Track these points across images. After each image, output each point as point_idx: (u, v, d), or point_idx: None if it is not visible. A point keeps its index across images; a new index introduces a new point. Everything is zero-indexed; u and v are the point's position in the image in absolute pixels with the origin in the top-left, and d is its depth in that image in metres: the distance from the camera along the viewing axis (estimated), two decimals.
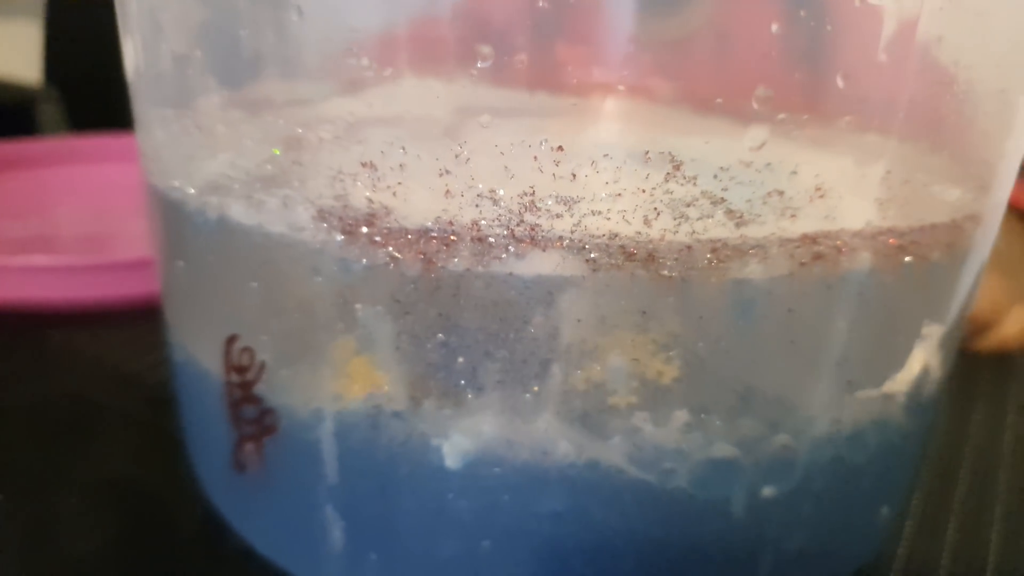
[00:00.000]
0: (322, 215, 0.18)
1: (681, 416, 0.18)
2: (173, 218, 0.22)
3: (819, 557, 0.22)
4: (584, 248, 0.17)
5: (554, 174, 0.17)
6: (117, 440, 0.31)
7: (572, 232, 0.17)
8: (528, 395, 0.18)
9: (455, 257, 0.17)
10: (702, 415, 0.18)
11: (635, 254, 0.17)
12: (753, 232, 0.17)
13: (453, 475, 0.19)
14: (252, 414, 0.20)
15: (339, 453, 0.20)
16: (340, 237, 0.18)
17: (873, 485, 0.22)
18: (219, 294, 0.21)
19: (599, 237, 0.17)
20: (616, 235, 0.17)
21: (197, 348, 0.22)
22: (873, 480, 0.22)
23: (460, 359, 0.18)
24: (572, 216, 0.17)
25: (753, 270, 0.17)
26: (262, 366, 0.20)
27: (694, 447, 0.18)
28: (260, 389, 0.20)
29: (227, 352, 0.20)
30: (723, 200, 0.17)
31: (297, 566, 0.22)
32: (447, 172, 0.17)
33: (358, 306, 0.18)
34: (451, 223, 0.17)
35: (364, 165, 0.17)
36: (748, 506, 0.19)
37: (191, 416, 0.25)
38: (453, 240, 0.17)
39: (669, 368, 0.18)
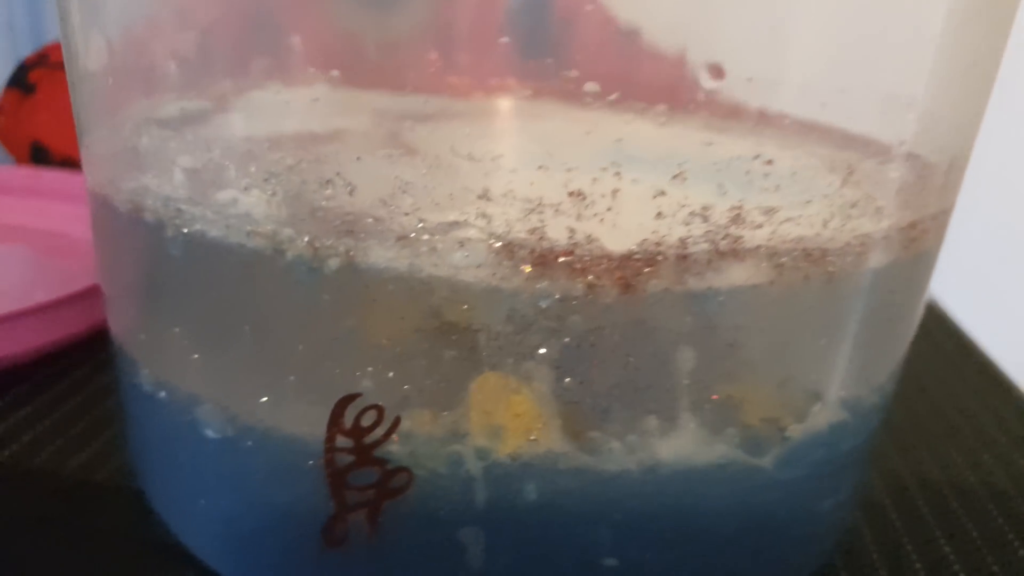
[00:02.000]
0: (509, 249, 0.16)
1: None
2: (223, 257, 0.18)
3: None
4: (775, 254, 0.17)
5: (763, 187, 0.17)
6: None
7: (768, 240, 0.17)
8: (716, 411, 0.18)
9: (655, 278, 0.17)
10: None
11: (812, 255, 0.18)
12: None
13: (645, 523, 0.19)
14: (369, 479, 0.18)
15: (488, 506, 0.18)
16: (528, 270, 0.16)
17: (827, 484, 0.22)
18: (334, 348, 0.18)
19: (789, 242, 0.17)
20: (801, 239, 0.18)
21: (254, 415, 0.19)
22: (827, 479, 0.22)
23: (648, 385, 0.18)
24: (771, 224, 0.17)
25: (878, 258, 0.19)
26: (395, 424, 0.18)
27: None
28: (386, 449, 0.18)
29: (337, 414, 0.18)
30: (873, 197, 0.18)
31: None
32: (662, 194, 0.16)
33: (537, 340, 0.17)
34: (658, 244, 0.16)
35: (572, 195, 0.16)
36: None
37: (212, 498, 0.21)
38: (659, 260, 0.17)
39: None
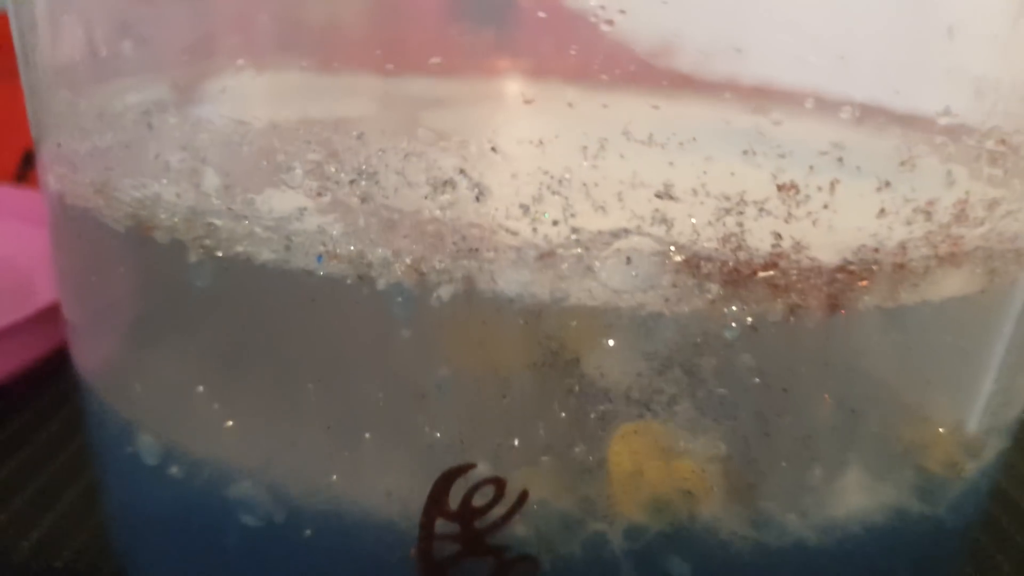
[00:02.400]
0: (692, 264, 0.12)
1: None
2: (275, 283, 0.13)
3: None
4: (990, 257, 0.14)
5: (990, 175, 0.13)
6: None
7: (986, 240, 0.14)
8: (901, 455, 0.15)
9: (867, 294, 0.13)
10: None
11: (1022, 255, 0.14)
12: None
13: None
14: (479, 573, 0.14)
15: None
16: (717, 289, 0.12)
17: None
18: (435, 404, 0.13)
19: (1005, 241, 0.14)
20: (1017, 236, 0.14)
21: (315, 495, 0.14)
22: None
23: (840, 429, 0.14)
24: (991, 221, 0.14)
25: None
26: (520, 500, 0.13)
27: None
28: (504, 534, 0.14)
29: (440, 492, 0.13)
30: None
31: None
32: (887, 185, 0.12)
33: (713, 381, 0.13)
34: (876, 250, 0.13)
35: (782, 188, 0.12)
36: None
37: None
38: (874, 271, 0.13)
39: None
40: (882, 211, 0.12)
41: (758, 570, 0.14)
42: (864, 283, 0.13)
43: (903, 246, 0.13)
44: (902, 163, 0.12)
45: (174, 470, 0.16)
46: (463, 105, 0.12)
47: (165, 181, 0.14)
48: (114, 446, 0.17)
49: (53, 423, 0.27)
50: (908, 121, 0.12)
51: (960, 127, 0.13)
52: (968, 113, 0.13)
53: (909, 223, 0.13)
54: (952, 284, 0.14)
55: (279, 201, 0.13)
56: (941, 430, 0.15)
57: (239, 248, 0.13)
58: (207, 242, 0.13)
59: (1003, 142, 0.13)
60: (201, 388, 0.15)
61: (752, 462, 0.13)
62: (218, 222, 0.13)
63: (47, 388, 0.24)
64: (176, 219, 0.14)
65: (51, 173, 0.16)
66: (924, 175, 0.13)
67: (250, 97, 0.13)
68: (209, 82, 0.13)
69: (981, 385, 0.15)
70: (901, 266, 0.13)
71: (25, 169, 0.45)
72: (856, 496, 0.14)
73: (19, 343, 0.26)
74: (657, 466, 0.13)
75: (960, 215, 0.13)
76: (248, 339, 0.14)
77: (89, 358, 0.17)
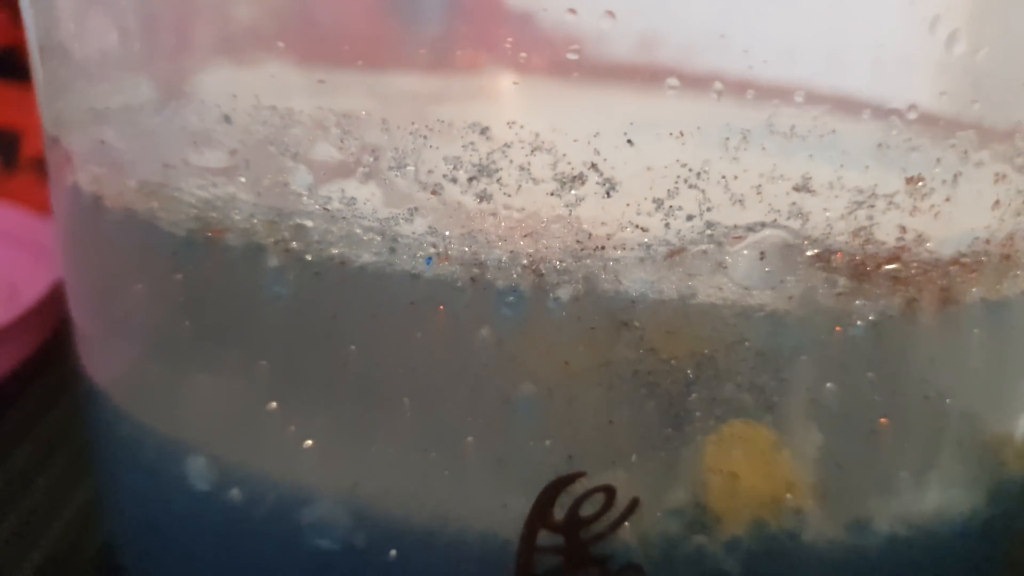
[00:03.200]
0: (824, 258, 0.12)
1: None
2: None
3: None
4: None
5: None
6: None
7: None
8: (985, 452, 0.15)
9: (976, 286, 0.13)
10: None
11: None
12: None
13: None
14: None
15: None
16: (844, 283, 0.12)
17: None
18: (539, 412, 0.13)
19: None
20: None
21: (392, 508, 0.14)
22: None
23: (935, 426, 0.14)
24: None
25: None
26: (630, 507, 0.13)
27: None
28: (608, 544, 0.13)
29: (546, 503, 0.13)
30: None
31: None
32: (1003, 178, 0.12)
33: (825, 377, 0.13)
34: (987, 241, 0.13)
35: (910, 180, 0.12)
36: None
37: None
38: (983, 263, 0.13)
39: None
40: (997, 202, 0.12)
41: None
42: (973, 275, 0.13)
43: (1011, 236, 0.13)
44: (1019, 155, 0.12)
45: (233, 492, 0.15)
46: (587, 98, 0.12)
47: (243, 179, 0.13)
48: (148, 467, 0.16)
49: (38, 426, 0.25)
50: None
51: None
52: None
53: (1018, 214, 0.13)
54: None
55: (383, 199, 0.12)
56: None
57: (333, 251, 0.12)
58: (294, 245, 0.12)
59: None
60: (275, 404, 0.14)
61: (855, 463, 0.13)
62: (308, 223, 0.12)
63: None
64: (255, 220, 0.13)
65: (84, 173, 0.15)
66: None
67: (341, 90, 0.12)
68: (296, 72, 0.12)
69: None
70: (1007, 257, 0.13)
71: None
72: (945, 496, 0.15)
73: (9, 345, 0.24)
74: (758, 471, 0.13)
75: None
76: (334, 348, 0.13)
77: (120, 373, 0.16)
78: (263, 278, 0.13)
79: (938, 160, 0.12)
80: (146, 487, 0.16)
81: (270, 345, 0.14)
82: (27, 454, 0.24)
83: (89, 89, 0.14)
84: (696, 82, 0.11)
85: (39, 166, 0.33)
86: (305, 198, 0.12)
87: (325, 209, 0.12)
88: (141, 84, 0.14)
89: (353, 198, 0.12)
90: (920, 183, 0.12)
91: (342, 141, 0.12)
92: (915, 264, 0.12)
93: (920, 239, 0.12)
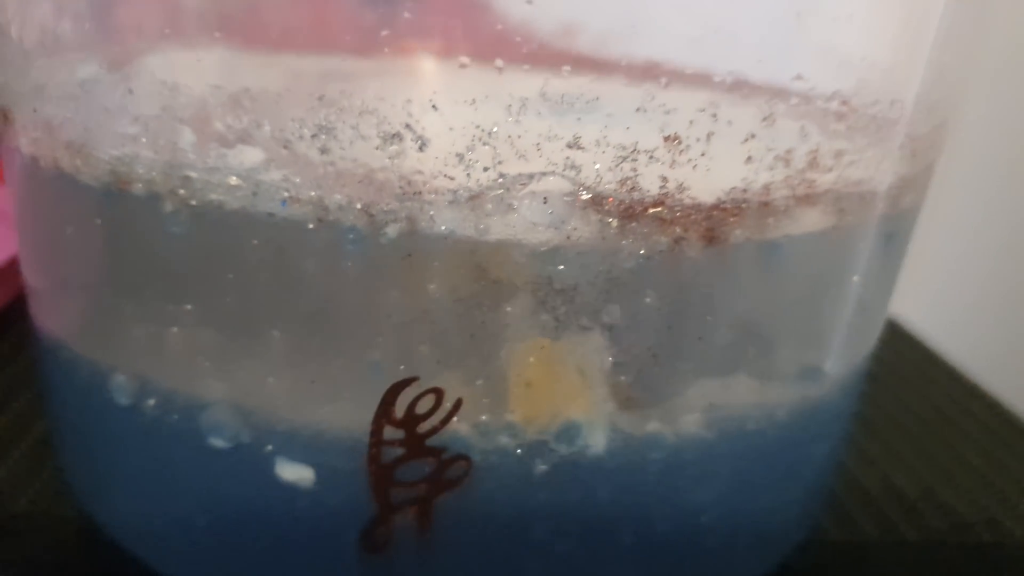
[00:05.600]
0: (597, 202, 0.15)
1: None
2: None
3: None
4: (839, 199, 0.17)
5: (834, 130, 0.16)
6: None
7: (835, 184, 0.17)
8: (772, 362, 0.18)
9: (739, 228, 0.16)
10: None
11: (865, 197, 0.18)
12: None
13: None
14: (421, 472, 0.17)
15: (551, 492, 0.17)
16: (615, 223, 0.15)
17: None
18: (381, 328, 0.16)
19: (851, 185, 0.17)
20: (860, 181, 0.17)
21: (277, 415, 0.17)
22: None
23: (717, 342, 0.17)
24: (839, 168, 0.17)
25: None
26: (456, 407, 0.16)
27: None
28: (443, 436, 0.16)
29: (388, 402, 0.16)
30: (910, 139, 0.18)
31: None
32: (753, 137, 0.15)
33: (609, 302, 0.16)
34: (744, 191, 0.16)
35: (668, 139, 0.15)
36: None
37: (218, 517, 0.18)
38: (743, 209, 0.16)
39: None
40: (749, 158, 0.15)
41: (657, 466, 0.17)
42: (735, 219, 0.16)
43: (767, 188, 0.16)
44: (764, 119, 0.15)
45: (149, 404, 0.18)
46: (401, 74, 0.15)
47: (144, 140, 0.16)
48: (84, 393, 0.19)
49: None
50: (769, 87, 0.15)
51: (810, 91, 0.16)
52: (817, 79, 0.16)
53: (771, 168, 0.16)
54: (809, 221, 0.17)
55: (248, 155, 0.15)
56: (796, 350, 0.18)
57: (212, 196, 0.15)
58: (182, 192, 0.16)
59: (845, 103, 0.16)
60: (176, 328, 0.17)
61: (640, 375, 0.16)
62: (193, 174, 0.15)
63: None
64: (154, 173, 0.16)
65: (24, 138, 0.18)
66: (784, 131, 0.16)
67: (221, 68, 0.15)
68: (184, 52, 0.15)
69: (839, 313, 0.19)
70: (766, 204, 0.16)
71: None
72: (742, 399, 0.17)
73: None
74: (550, 381, 0.16)
75: (813, 163, 0.16)
76: (221, 280, 0.16)
77: (60, 313, 0.19)
78: (162, 221, 0.16)
79: (691, 122, 0.15)
80: (80, 407, 0.20)
81: (170, 278, 0.17)
82: None
83: (25, 64, 0.17)
84: (482, 58, 0.14)
85: None
86: (190, 154, 0.15)
87: (204, 163, 0.15)
88: (71, 64, 0.17)
89: (225, 153, 0.15)
90: (677, 141, 0.15)
91: (219, 109, 0.15)
92: (679, 209, 0.15)
93: (681, 187, 0.15)
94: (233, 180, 0.15)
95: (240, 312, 0.16)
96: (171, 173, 0.16)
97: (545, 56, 0.14)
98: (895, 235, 0.19)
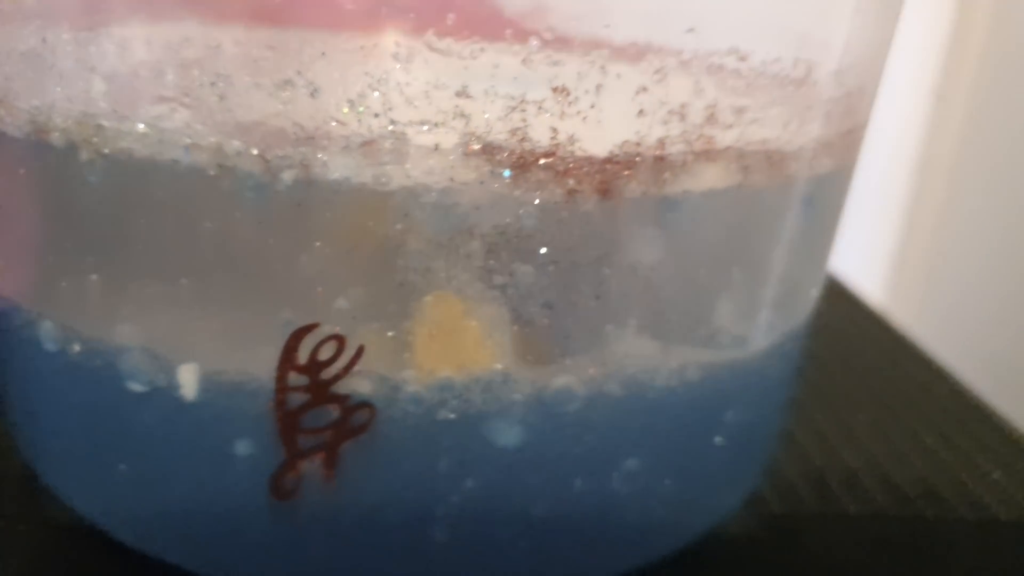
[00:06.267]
0: (488, 152, 0.15)
1: None
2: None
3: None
4: (742, 156, 0.17)
5: (734, 87, 0.17)
6: None
7: (736, 141, 0.17)
8: (679, 319, 0.18)
9: (633, 181, 0.16)
10: None
11: (773, 157, 0.18)
12: None
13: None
14: (326, 419, 0.17)
15: (454, 442, 0.17)
16: (507, 173, 0.16)
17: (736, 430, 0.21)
18: (283, 274, 0.16)
19: (754, 143, 0.17)
20: (765, 140, 0.18)
21: (189, 358, 0.17)
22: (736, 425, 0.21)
23: (617, 297, 0.17)
24: (740, 125, 0.17)
25: None
26: (357, 354, 0.16)
27: None
28: (347, 383, 0.17)
29: (291, 348, 0.16)
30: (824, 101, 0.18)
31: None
32: (644, 90, 0.16)
33: (507, 254, 0.16)
34: (638, 144, 0.16)
35: (556, 90, 0.15)
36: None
37: (135, 460, 0.19)
38: (638, 162, 0.16)
39: None
40: (641, 112, 0.16)
41: (564, 420, 0.18)
42: (628, 172, 0.16)
43: (662, 142, 0.16)
44: (655, 72, 0.15)
45: (74, 350, 0.18)
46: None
47: (59, 90, 0.16)
48: (15, 342, 0.20)
49: None
50: (662, 44, 0.15)
51: (704, 45, 0.16)
52: (711, 33, 0.16)
53: (666, 123, 0.16)
54: (710, 177, 0.17)
55: (154, 104, 0.16)
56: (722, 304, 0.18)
57: (122, 144, 0.16)
58: (95, 140, 0.16)
59: (743, 59, 0.16)
60: (95, 276, 0.17)
61: (537, 323, 0.17)
62: (105, 123, 0.16)
63: None
64: (68, 123, 0.16)
65: None
66: (678, 86, 0.16)
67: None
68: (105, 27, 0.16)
69: (751, 276, 0.19)
70: (661, 159, 0.16)
71: None
72: (645, 356, 0.18)
73: None
74: (453, 331, 0.16)
75: (711, 118, 0.16)
76: (134, 226, 0.17)
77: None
78: (79, 169, 0.17)
79: (579, 74, 0.15)
80: (14, 355, 0.20)
81: (89, 225, 0.17)
82: None
83: None
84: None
85: None
86: (101, 103, 0.16)
87: (114, 111, 0.16)
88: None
89: (133, 102, 0.16)
90: (565, 93, 0.15)
91: (124, 60, 0.15)
92: (571, 160, 0.16)
93: (572, 139, 0.15)
94: (140, 128, 0.16)
95: (152, 261, 0.17)
96: (84, 121, 0.16)
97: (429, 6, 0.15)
98: (815, 199, 0.20)
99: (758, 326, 0.20)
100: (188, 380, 0.17)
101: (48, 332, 0.19)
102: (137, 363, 0.18)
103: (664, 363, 0.18)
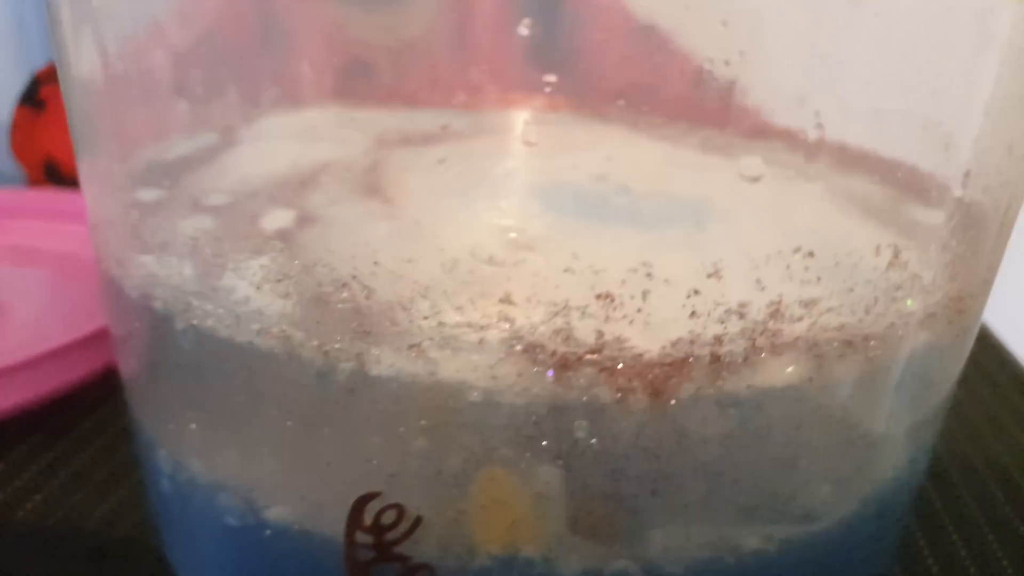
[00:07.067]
0: (531, 352, 0.15)
1: None
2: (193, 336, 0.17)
3: None
4: (816, 344, 0.16)
5: (801, 280, 0.16)
6: None
7: (808, 331, 0.16)
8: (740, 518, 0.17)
9: (687, 381, 0.16)
10: None
11: (853, 342, 0.17)
12: None
13: None
14: (392, 574, 0.18)
15: None
16: (551, 373, 0.15)
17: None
18: (346, 449, 0.17)
19: (830, 332, 0.16)
20: (843, 327, 0.17)
21: (271, 509, 0.18)
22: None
23: (674, 494, 0.17)
24: (811, 316, 0.16)
25: None
26: (415, 524, 0.17)
27: None
28: (407, 546, 0.17)
29: (356, 513, 0.17)
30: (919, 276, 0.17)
31: None
32: (696, 293, 0.15)
33: (555, 448, 0.16)
34: (692, 342, 0.16)
35: (600, 297, 0.15)
36: None
37: None
38: (691, 361, 0.16)
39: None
40: (693, 313, 0.15)
41: None
42: (684, 372, 0.16)
43: (719, 339, 0.16)
44: (708, 276, 0.15)
45: (182, 477, 0.20)
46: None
47: (159, 266, 0.18)
48: (143, 452, 0.22)
49: (121, 420, 0.32)
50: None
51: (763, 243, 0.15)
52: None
53: (722, 322, 0.16)
54: (776, 370, 0.16)
55: (233, 289, 0.17)
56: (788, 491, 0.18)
57: (208, 322, 0.17)
58: (187, 315, 0.18)
59: (810, 255, 0.16)
60: (194, 426, 0.19)
61: (598, 514, 0.17)
62: (194, 301, 0.17)
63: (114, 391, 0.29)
64: (167, 294, 0.18)
65: (92, 236, 0.21)
66: (735, 282, 0.16)
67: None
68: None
69: (830, 460, 0.18)
70: (717, 357, 0.16)
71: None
72: (700, 544, 0.17)
73: (93, 351, 0.31)
74: (501, 508, 0.17)
75: (775, 313, 0.16)
76: (220, 391, 0.18)
77: (128, 386, 0.22)
78: (176, 336, 0.18)
79: (623, 281, 0.15)
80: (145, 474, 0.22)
81: (186, 383, 0.19)
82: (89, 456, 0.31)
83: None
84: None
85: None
86: (190, 282, 0.17)
87: (200, 291, 0.17)
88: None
89: (215, 285, 0.17)
90: (609, 299, 0.15)
91: (203, 244, 0.17)
92: (619, 358, 0.15)
93: (619, 340, 0.15)
94: (220, 311, 0.17)
95: (237, 423, 0.18)
96: (177, 297, 0.18)
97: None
98: (906, 381, 0.18)
99: (839, 500, 0.19)
100: (271, 524, 0.18)
101: (164, 460, 0.20)
102: (230, 502, 0.19)
103: (732, 546, 0.18)
